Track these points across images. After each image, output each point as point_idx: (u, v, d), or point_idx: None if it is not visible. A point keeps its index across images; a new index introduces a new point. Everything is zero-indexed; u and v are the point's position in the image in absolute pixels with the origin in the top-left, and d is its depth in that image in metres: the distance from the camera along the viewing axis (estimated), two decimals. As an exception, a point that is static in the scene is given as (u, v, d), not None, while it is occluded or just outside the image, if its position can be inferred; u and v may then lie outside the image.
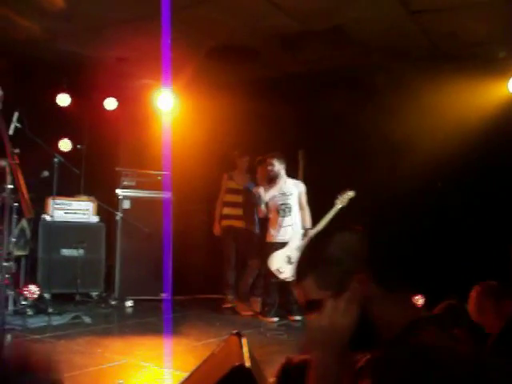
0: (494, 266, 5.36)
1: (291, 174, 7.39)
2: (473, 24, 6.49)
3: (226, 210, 7.98)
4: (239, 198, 7.87)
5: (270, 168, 7.24)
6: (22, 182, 4.76)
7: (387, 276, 1.52)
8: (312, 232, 7.01)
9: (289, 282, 6.94)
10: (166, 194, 8.07)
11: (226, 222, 7.95)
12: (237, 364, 1.92)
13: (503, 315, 3.11)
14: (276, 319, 7.03)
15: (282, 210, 7.17)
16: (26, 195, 4.75)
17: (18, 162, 4.83)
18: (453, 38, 6.89)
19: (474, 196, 7.06)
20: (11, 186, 4.87)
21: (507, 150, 6.52)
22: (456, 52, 7.22)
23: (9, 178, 4.84)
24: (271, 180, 7.24)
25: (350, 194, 7.07)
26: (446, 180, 7.21)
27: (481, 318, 3.27)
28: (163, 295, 7.73)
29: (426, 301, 6.65)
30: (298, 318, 7.03)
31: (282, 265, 6.99)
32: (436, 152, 7.09)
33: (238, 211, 7.84)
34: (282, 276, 6.97)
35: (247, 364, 1.91)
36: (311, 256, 1.55)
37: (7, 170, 4.82)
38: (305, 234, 7.13)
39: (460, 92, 7.09)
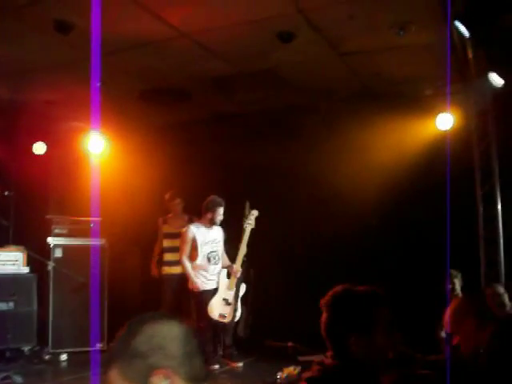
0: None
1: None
2: (398, 65, 6.71)
3: (167, 256, 7.82)
4: (176, 242, 7.72)
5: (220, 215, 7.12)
6: None
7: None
8: (235, 265, 7.06)
9: (225, 327, 6.88)
10: (94, 241, 7.81)
11: (166, 270, 7.80)
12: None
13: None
14: (217, 367, 6.87)
15: (213, 257, 7.08)
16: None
17: None
18: (380, 77, 7.09)
19: (403, 232, 7.23)
20: None
21: (438, 186, 6.67)
22: (384, 91, 7.42)
23: None
24: (213, 224, 7.13)
25: (255, 213, 7.10)
26: (380, 217, 7.34)
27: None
28: (98, 346, 7.43)
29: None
30: (239, 364, 6.92)
31: (223, 309, 6.89)
32: (366, 188, 7.24)
33: (176, 256, 7.70)
34: (226, 320, 6.87)
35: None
36: (117, 346, 1.48)
37: None
38: (228, 272, 7.10)
39: (390, 130, 7.27)
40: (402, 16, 5.56)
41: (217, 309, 6.88)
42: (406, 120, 7.24)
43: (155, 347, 1.42)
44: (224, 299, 6.94)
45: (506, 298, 5.43)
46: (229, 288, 7.04)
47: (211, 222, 7.06)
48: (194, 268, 6.97)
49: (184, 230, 7.12)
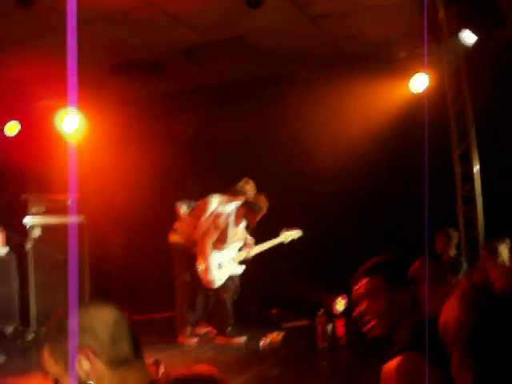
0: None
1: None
2: (372, 26, 6.64)
3: None
4: None
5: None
6: None
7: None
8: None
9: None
10: (72, 219, 7.73)
11: None
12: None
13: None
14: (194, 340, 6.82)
15: None
16: None
17: None
18: (353, 40, 7.02)
19: (381, 195, 7.23)
20: None
21: (412, 149, 6.64)
22: (358, 55, 7.35)
23: None
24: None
25: (296, 233, 7.07)
26: (354, 181, 7.32)
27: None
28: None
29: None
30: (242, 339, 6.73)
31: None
32: (343, 154, 7.22)
33: None
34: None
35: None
36: (52, 325, 1.54)
37: None
38: None
39: (364, 94, 7.24)
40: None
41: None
42: (380, 83, 7.21)
43: (84, 328, 1.47)
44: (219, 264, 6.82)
45: None
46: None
47: None
48: None
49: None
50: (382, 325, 2.28)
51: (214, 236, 6.68)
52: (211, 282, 6.68)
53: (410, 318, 2.20)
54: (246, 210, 6.66)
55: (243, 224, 6.86)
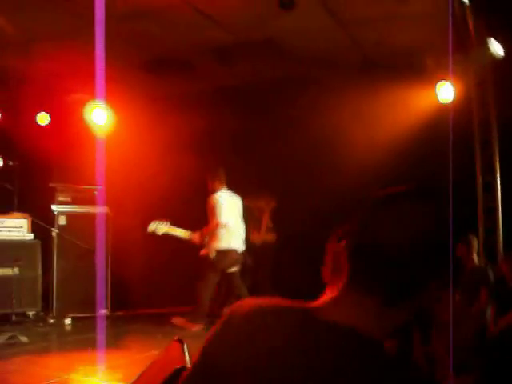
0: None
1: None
2: (401, 34, 6.73)
3: None
4: None
5: None
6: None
7: None
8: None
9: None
10: (100, 209, 7.93)
11: None
12: (178, 367, 1.91)
13: None
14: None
15: None
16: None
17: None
18: (381, 47, 7.11)
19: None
20: None
21: (435, 157, 6.70)
22: (385, 61, 7.43)
23: None
24: None
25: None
26: (377, 189, 7.35)
27: None
28: (102, 311, 7.57)
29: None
30: None
31: None
32: (366, 161, 7.28)
33: None
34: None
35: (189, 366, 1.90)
36: None
37: None
38: None
39: (389, 101, 7.29)
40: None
41: None
42: (406, 91, 7.25)
43: None
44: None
45: None
46: None
47: None
48: None
49: None
50: None
51: None
52: None
53: None
54: None
55: None
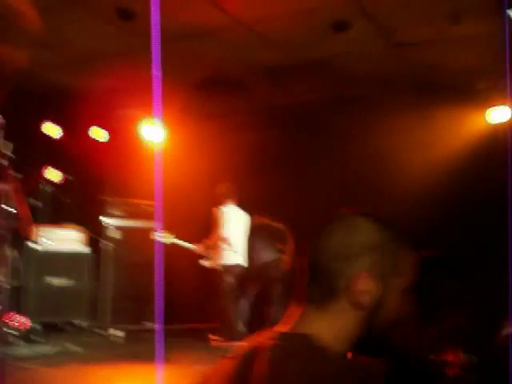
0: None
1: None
2: (453, 56, 6.70)
3: None
4: None
5: None
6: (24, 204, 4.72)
7: None
8: None
9: None
10: (157, 225, 8.08)
11: None
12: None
13: None
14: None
15: None
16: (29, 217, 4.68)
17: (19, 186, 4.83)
18: (433, 69, 7.09)
19: (460, 224, 7.16)
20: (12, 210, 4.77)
21: (488, 180, 6.62)
22: (437, 83, 7.39)
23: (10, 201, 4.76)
24: None
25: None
26: (431, 210, 7.30)
27: None
28: (153, 325, 7.68)
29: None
30: None
31: None
32: (417, 183, 7.22)
33: None
34: None
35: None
36: None
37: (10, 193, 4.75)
38: None
39: (441, 123, 7.26)
40: (458, 5, 5.58)
41: None
42: (458, 112, 7.22)
43: None
44: None
45: None
46: None
47: None
48: None
49: None
50: None
51: None
52: None
53: None
54: None
55: None
